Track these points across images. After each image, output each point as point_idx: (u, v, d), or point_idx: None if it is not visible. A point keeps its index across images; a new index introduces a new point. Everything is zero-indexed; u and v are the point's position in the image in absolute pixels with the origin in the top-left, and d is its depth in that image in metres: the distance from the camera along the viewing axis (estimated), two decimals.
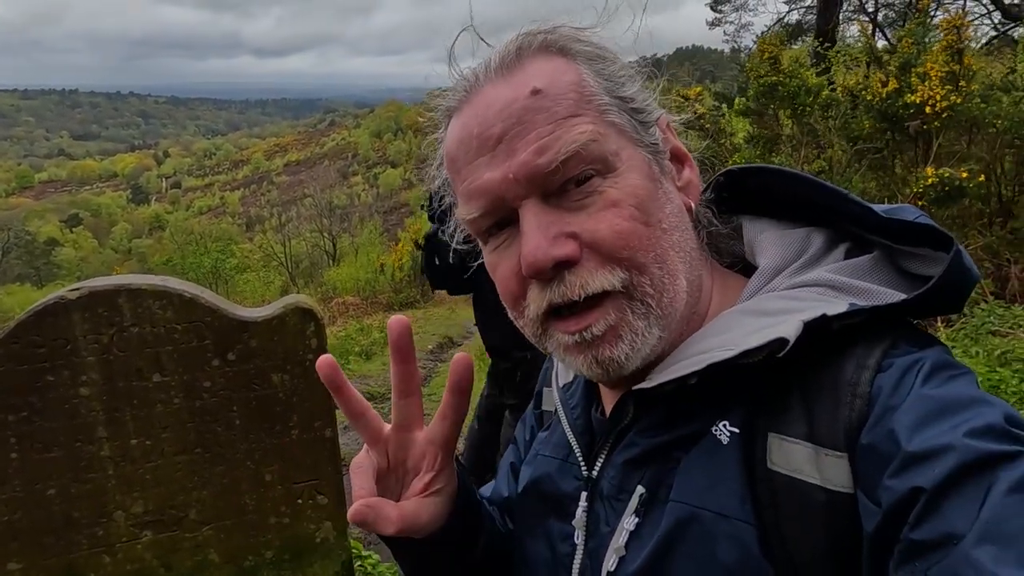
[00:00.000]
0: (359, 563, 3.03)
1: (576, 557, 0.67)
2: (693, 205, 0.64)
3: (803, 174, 0.63)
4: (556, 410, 0.77)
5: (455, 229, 0.70)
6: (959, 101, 6.14)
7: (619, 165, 0.59)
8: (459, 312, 14.64)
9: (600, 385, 0.72)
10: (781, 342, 0.52)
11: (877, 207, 0.59)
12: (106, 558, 2.45)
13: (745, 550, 0.54)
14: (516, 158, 0.58)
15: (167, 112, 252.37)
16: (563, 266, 0.58)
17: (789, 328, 0.53)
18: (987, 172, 6.46)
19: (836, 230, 0.64)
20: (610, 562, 0.62)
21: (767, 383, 0.57)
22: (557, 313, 0.60)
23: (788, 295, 0.59)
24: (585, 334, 0.59)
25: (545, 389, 0.87)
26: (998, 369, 3.92)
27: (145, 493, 2.47)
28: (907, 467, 0.46)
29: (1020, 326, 4.95)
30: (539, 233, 0.57)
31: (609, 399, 0.70)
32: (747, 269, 0.68)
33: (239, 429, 2.55)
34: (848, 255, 0.62)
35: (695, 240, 0.65)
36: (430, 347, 10.22)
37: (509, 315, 0.65)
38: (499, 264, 0.63)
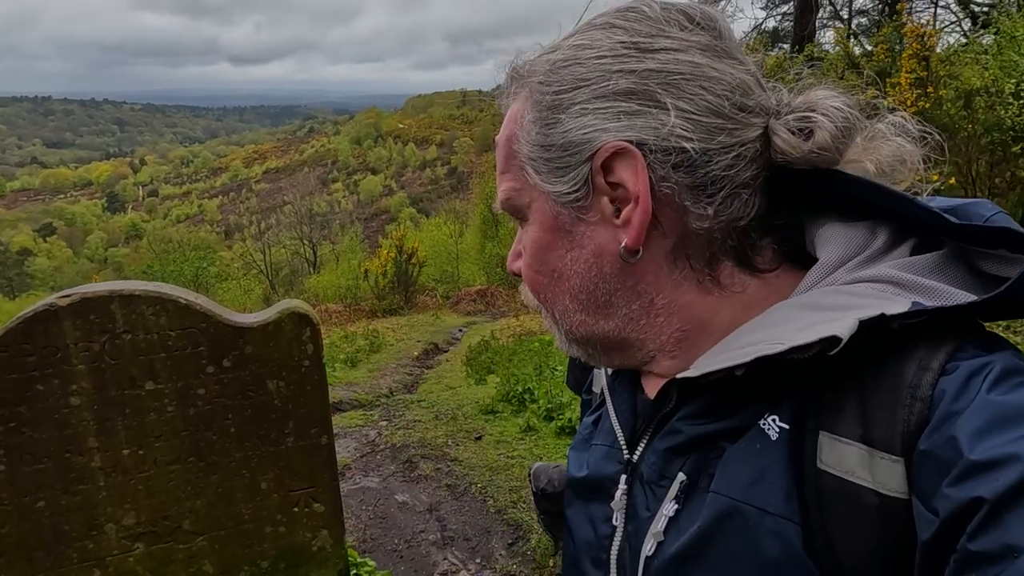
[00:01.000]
0: (355, 571, 2.99)
1: (615, 539, 0.67)
2: (628, 243, 0.61)
3: (866, 178, 0.60)
4: (604, 393, 0.77)
5: None
6: (927, 106, 6.26)
7: (530, 216, 0.66)
8: (443, 319, 14.60)
9: (642, 372, 0.72)
10: (834, 340, 0.50)
11: (946, 203, 0.57)
12: (97, 572, 2.38)
13: (789, 547, 0.53)
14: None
15: (143, 119, 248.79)
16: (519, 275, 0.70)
17: (843, 326, 0.51)
18: (961, 176, 6.59)
19: (902, 226, 0.61)
20: (648, 546, 0.62)
21: (820, 379, 0.55)
22: None
23: (847, 290, 0.57)
24: None
25: (596, 371, 0.86)
26: None
27: (137, 504, 2.42)
28: (968, 476, 0.44)
29: (996, 326, 5.05)
30: (513, 246, 0.72)
31: (652, 386, 0.69)
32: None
33: (234, 437, 2.51)
34: (915, 251, 0.59)
35: (625, 276, 0.63)
36: (416, 354, 10.17)
37: None
38: None
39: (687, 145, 0.58)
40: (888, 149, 0.61)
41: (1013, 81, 5.97)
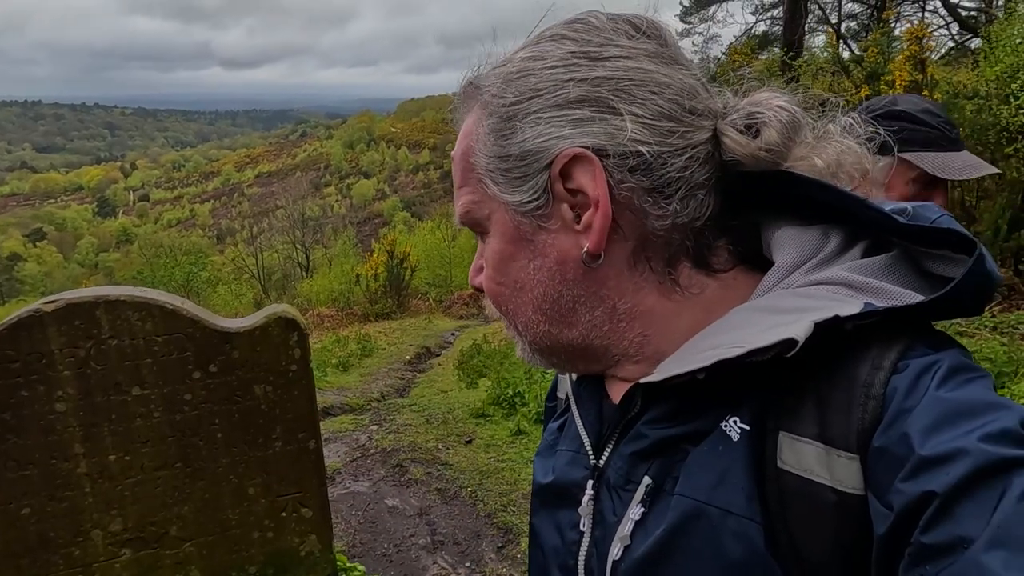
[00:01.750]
0: None
1: (582, 545, 0.67)
2: (590, 247, 0.62)
3: (819, 179, 0.62)
4: (568, 399, 0.77)
5: None
6: None
7: (490, 228, 0.66)
8: (435, 323, 14.59)
9: (607, 377, 0.72)
10: (790, 342, 0.52)
11: (896, 206, 0.59)
12: None
13: (752, 547, 0.54)
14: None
15: (134, 123, 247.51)
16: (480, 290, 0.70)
17: (799, 328, 0.52)
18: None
19: (854, 229, 0.63)
20: (615, 551, 0.62)
21: (779, 381, 0.56)
22: None
23: (802, 292, 0.58)
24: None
25: (560, 377, 0.87)
26: None
27: (124, 510, 2.41)
28: (920, 471, 0.46)
29: (985, 326, 5.10)
30: (474, 261, 0.71)
31: (616, 391, 0.70)
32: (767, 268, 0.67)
33: (221, 442, 2.51)
34: (866, 253, 0.61)
35: (588, 282, 0.64)
36: (408, 358, 10.15)
37: None
38: None
39: (643, 148, 0.59)
40: (835, 149, 0.63)
41: (1016, 84, 6.01)
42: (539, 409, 5.44)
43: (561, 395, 0.85)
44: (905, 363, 0.52)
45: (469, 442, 5.13)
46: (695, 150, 0.61)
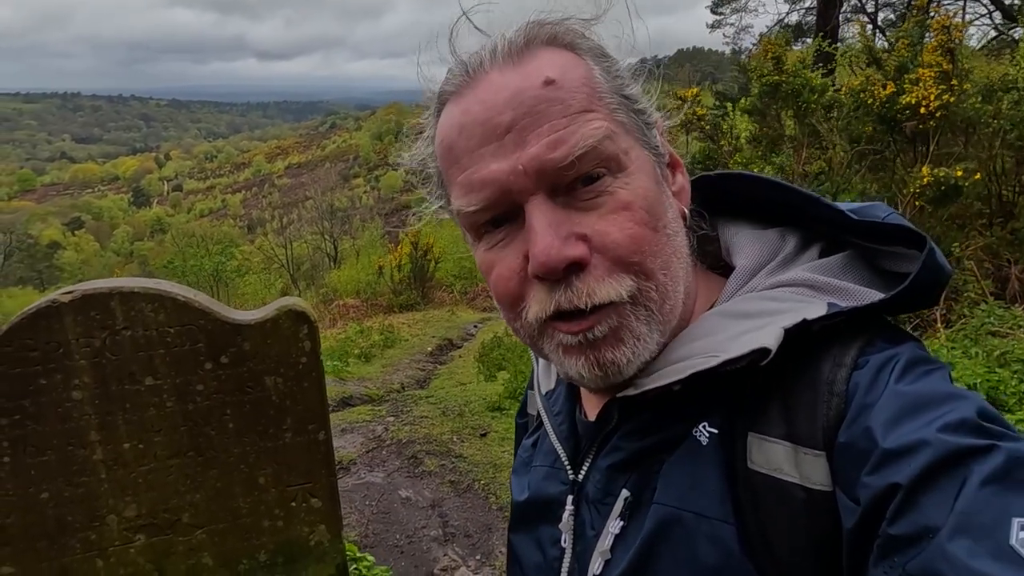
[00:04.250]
0: (354, 566, 3.02)
1: (564, 560, 0.68)
2: (686, 210, 0.64)
3: (773, 179, 0.63)
4: (540, 415, 0.77)
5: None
6: (952, 100, 6.13)
7: (629, 165, 0.58)
8: (459, 315, 14.65)
9: (582, 390, 0.72)
10: (763, 352, 0.53)
11: (847, 205, 0.59)
12: (99, 562, 2.44)
13: (726, 550, 0.54)
14: (527, 150, 0.55)
15: (168, 115, 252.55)
16: (574, 268, 0.56)
17: (769, 336, 0.53)
18: (986, 172, 6.44)
19: (809, 230, 0.64)
20: (596, 565, 0.63)
21: (746, 384, 0.57)
22: (558, 314, 0.58)
23: (767, 295, 0.59)
24: (588, 335, 0.57)
25: (529, 392, 0.87)
26: (997, 370, 3.90)
27: (138, 497, 2.47)
28: (884, 464, 0.47)
29: (1020, 327, 4.94)
30: (551, 231, 0.55)
31: (592, 404, 0.70)
32: (726, 271, 0.68)
33: (232, 432, 2.55)
34: (822, 254, 0.62)
35: (687, 245, 0.65)
36: (429, 349, 10.22)
37: (502, 315, 0.64)
38: (496, 263, 0.60)
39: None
40: None
41: None
42: None
43: (532, 412, 0.85)
44: (865, 359, 0.53)
45: (484, 435, 5.15)
46: None
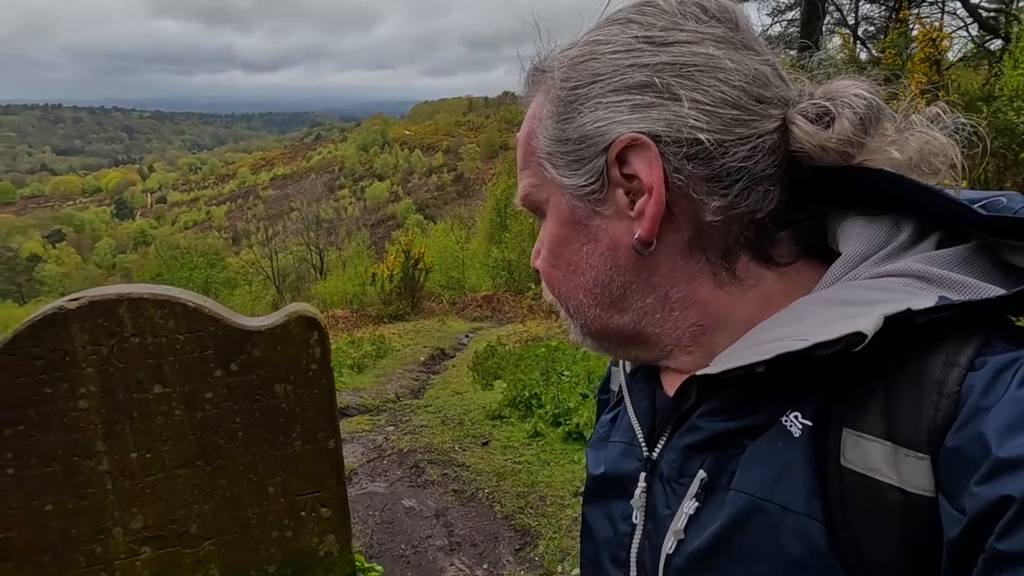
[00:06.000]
0: None
1: (635, 537, 0.67)
2: (641, 234, 0.61)
3: (891, 171, 0.59)
4: (623, 391, 0.76)
5: None
6: None
7: (547, 211, 0.67)
8: (449, 324, 14.59)
9: (662, 369, 0.71)
10: (858, 336, 0.49)
11: (973, 194, 0.56)
12: None
13: (812, 546, 0.52)
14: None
15: (152, 126, 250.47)
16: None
17: (868, 322, 0.50)
18: (970, 180, 6.57)
19: (928, 219, 0.60)
20: (669, 544, 0.61)
21: (844, 375, 0.54)
22: None
23: (872, 284, 0.56)
24: None
25: (613, 369, 0.87)
26: None
27: (145, 508, 2.42)
28: (996, 474, 0.43)
29: None
30: (536, 244, 0.72)
31: (671, 383, 0.69)
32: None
33: (241, 441, 2.51)
34: (940, 245, 0.58)
35: (639, 269, 0.64)
36: (422, 359, 10.16)
37: None
38: None
39: (701, 136, 0.57)
40: (918, 141, 0.59)
41: None
42: (556, 411, 5.41)
43: (614, 387, 0.84)
44: (983, 360, 0.49)
45: (486, 444, 5.11)
46: (760, 140, 0.58)
